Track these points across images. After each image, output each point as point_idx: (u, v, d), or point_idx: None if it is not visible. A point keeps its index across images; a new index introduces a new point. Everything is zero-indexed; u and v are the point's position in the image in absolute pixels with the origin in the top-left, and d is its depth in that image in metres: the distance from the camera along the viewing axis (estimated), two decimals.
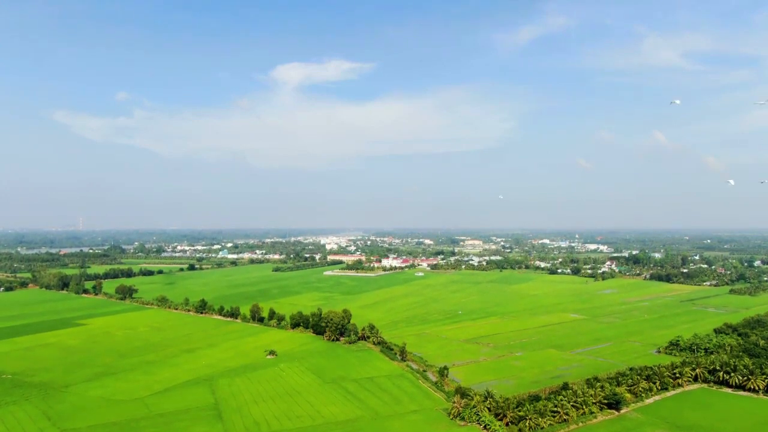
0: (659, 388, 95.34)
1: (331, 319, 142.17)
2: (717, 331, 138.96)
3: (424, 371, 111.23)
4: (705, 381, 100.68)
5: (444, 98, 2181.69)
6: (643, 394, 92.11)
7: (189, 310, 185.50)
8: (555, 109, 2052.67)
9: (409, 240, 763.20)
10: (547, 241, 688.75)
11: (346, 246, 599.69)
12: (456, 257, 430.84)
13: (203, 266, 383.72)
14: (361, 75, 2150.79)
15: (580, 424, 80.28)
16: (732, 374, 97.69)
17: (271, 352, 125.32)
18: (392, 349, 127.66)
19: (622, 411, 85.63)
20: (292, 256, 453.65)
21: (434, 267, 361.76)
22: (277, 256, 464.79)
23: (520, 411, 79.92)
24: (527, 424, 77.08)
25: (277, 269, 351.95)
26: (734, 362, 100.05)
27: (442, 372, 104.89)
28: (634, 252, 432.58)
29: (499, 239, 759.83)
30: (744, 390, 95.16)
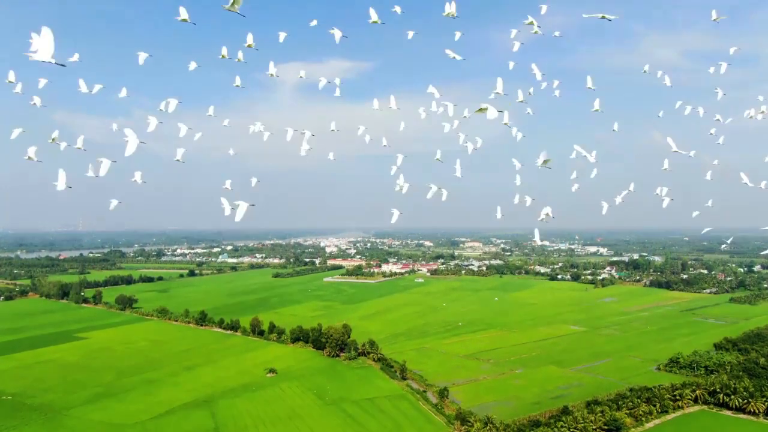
0: (659, 411, 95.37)
1: (331, 335, 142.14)
2: (717, 347, 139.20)
3: (424, 391, 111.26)
4: (705, 403, 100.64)
5: (443, 97, 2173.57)
6: (643, 418, 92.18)
7: (189, 322, 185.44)
8: (554, 108, 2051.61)
9: (408, 242, 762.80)
10: (547, 242, 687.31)
11: (346, 249, 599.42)
12: (456, 261, 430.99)
13: (203, 271, 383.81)
14: (360, 74, 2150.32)
15: None
16: (732, 397, 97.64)
17: (272, 370, 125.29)
18: (392, 367, 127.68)
19: None
20: (291, 260, 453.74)
21: (434, 272, 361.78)
22: (277, 260, 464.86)
23: None
24: None
25: (277, 275, 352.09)
26: (734, 384, 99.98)
27: (443, 393, 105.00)
28: (634, 256, 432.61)
29: (499, 241, 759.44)
30: (744, 413, 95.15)
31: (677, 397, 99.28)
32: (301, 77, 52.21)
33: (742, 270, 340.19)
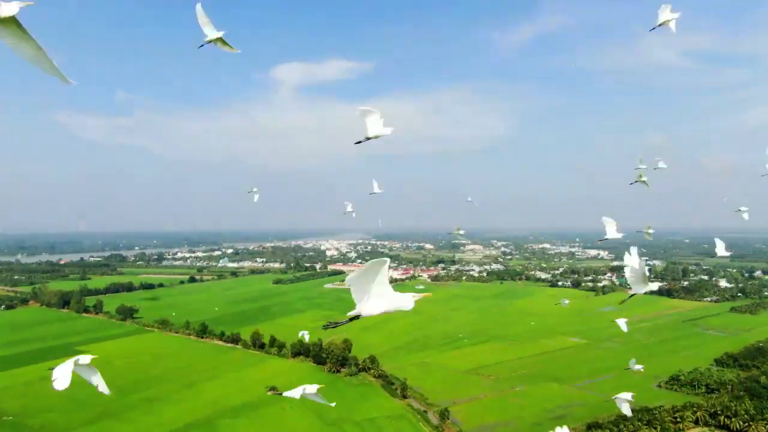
0: None
1: (332, 351, 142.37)
2: (717, 362, 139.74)
3: (425, 411, 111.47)
4: (706, 424, 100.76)
5: (443, 98, 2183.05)
6: None
7: (190, 334, 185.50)
8: (554, 108, 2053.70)
9: (409, 245, 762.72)
10: (547, 245, 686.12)
11: (347, 252, 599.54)
12: (456, 266, 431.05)
13: (204, 277, 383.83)
14: (361, 75, 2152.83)
15: None
16: (733, 419, 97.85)
17: (272, 388, 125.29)
18: (393, 384, 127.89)
19: None
20: (292, 264, 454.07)
21: (434, 278, 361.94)
22: (277, 265, 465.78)
23: None
24: None
25: (277, 281, 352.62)
26: (735, 406, 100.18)
27: (443, 414, 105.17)
28: None
29: (499, 243, 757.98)
30: None
31: (678, 419, 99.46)
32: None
33: (742, 275, 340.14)
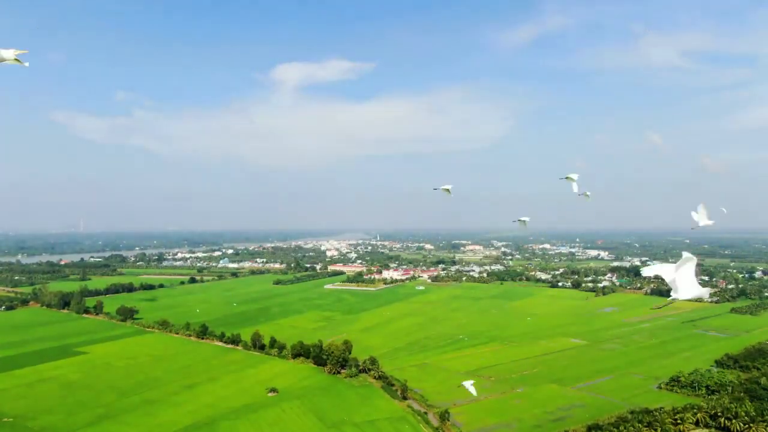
0: None
1: (332, 352, 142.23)
2: (718, 364, 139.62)
3: (425, 413, 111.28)
4: (706, 426, 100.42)
5: (443, 97, 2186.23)
6: None
7: (190, 335, 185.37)
8: (554, 108, 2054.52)
9: (409, 245, 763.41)
10: (547, 245, 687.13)
11: (347, 252, 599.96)
12: (457, 267, 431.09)
13: (204, 277, 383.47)
14: (361, 75, 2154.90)
15: None
16: (733, 421, 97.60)
17: (272, 390, 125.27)
18: (393, 385, 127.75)
19: None
20: (292, 265, 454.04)
21: (435, 279, 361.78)
22: (277, 265, 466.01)
23: None
24: None
25: (277, 282, 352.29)
26: (735, 408, 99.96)
27: (443, 416, 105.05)
28: (635, 261, 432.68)
29: (499, 243, 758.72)
30: None
31: (678, 421, 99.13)
32: None
33: (742, 276, 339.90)
